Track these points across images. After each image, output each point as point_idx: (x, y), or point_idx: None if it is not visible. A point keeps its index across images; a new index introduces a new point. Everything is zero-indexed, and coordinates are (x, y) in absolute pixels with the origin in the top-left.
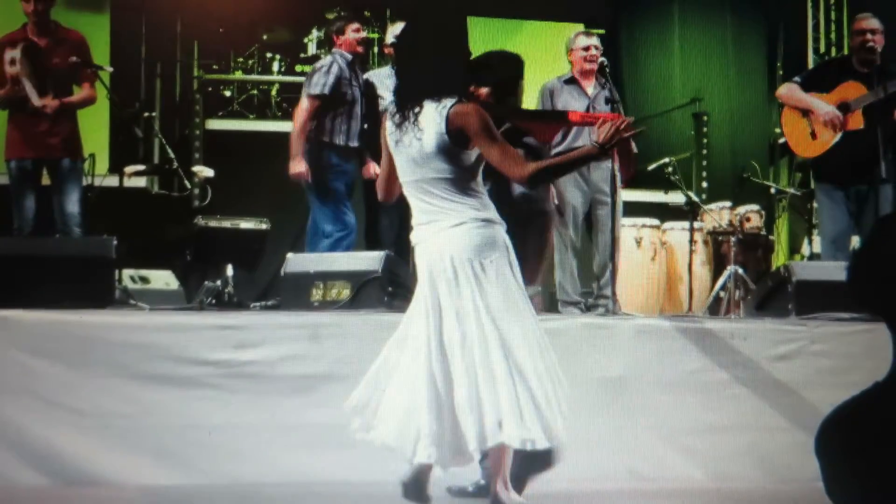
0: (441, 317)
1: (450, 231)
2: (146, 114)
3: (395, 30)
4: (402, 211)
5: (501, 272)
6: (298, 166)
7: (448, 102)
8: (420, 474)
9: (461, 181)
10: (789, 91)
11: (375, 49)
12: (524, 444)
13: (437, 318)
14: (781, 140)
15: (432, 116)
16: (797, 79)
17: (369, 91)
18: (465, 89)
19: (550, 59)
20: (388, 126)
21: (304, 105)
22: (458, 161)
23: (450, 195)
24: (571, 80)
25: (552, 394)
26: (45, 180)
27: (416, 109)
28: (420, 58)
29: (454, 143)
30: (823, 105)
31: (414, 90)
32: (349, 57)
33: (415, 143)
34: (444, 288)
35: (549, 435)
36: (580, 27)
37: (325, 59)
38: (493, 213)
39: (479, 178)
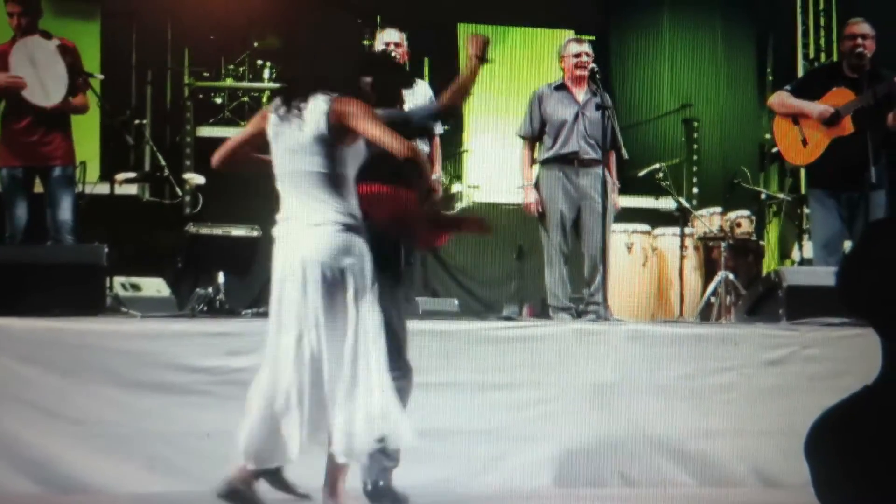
0: (290, 318)
1: (308, 230)
2: (137, 121)
3: (385, 36)
4: None
5: (352, 279)
6: None
7: (332, 96)
8: (243, 478)
9: (332, 179)
10: (780, 99)
11: None
12: (350, 458)
13: (287, 318)
14: (774, 149)
15: (316, 109)
16: (787, 87)
17: None
18: (353, 86)
19: (540, 65)
20: (272, 118)
21: None
22: (333, 157)
23: (317, 191)
24: (561, 87)
25: (391, 402)
26: (38, 188)
27: (302, 103)
28: (310, 53)
29: (332, 137)
30: (815, 105)
31: (302, 85)
32: None
33: (295, 133)
34: (290, 287)
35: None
36: (570, 34)
37: None
38: (356, 220)
39: (352, 184)
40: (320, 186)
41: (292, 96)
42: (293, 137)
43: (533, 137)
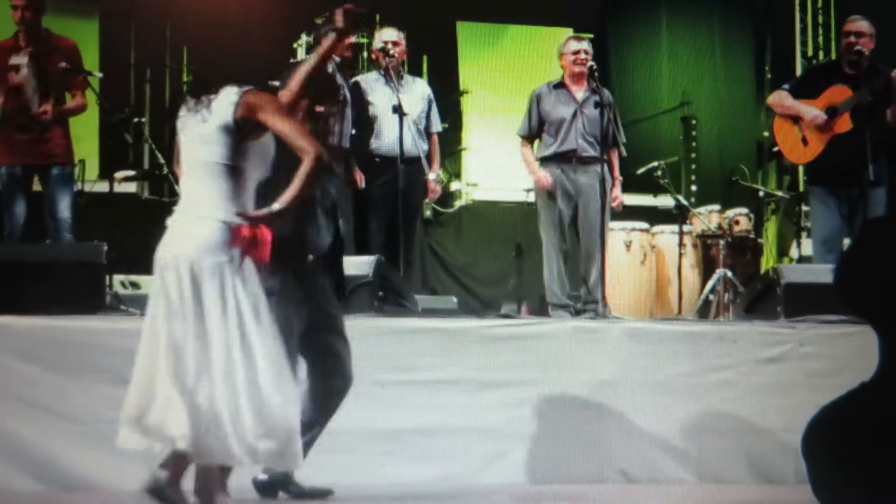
0: (165, 310)
1: (191, 222)
2: (136, 119)
3: (383, 35)
4: (393, 214)
5: (221, 278)
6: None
7: (243, 88)
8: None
9: (230, 171)
10: (779, 99)
11: (365, 54)
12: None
13: (161, 309)
14: (775, 148)
15: (225, 100)
16: (786, 86)
17: (358, 95)
18: (265, 81)
19: (539, 63)
20: (181, 111)
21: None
22: (234, 149)
23: (211, 182)
24: (560, 85)
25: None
26: (37, 186)
27: (213, 95)
28: (226, 47)
29: (237, 128)
30: (810, 110)
31: (214, 77)
32: (337, 59)
33: (199, 124)
34: (167, 279)
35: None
36: (569, 31)
37: None
38: (240, 221)
39: (250, 181)
40: (215, 177)
41: (204, 89)
42: (197, 128)
43: (531, 136)
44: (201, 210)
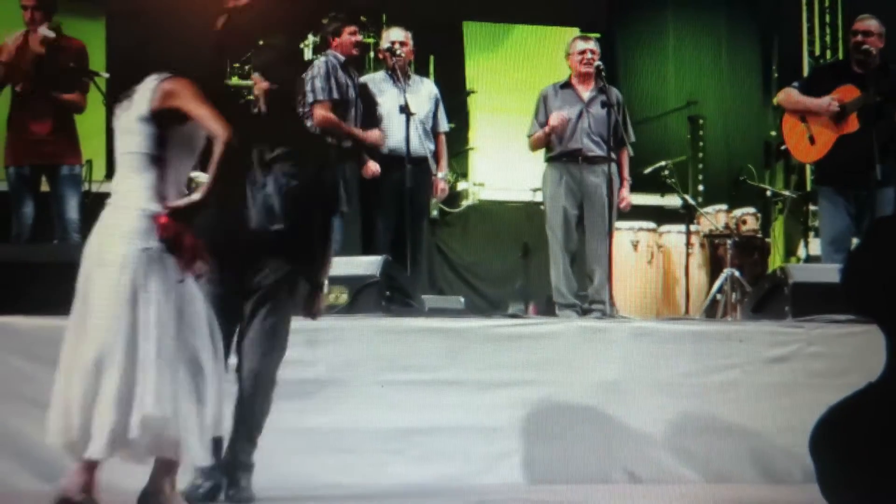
0: (84, 301)
1: (114, 212)
2: None
3: (390, 35)
4: (398, 213)
5: (141, 267)
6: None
7: (161, 76)
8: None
9: (152, 164)
10: (788, 96)
11: (371, 54)
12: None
13: (83, 302)
14: (783, 147)
15: (145, 88)
16: (795, 84)
17: (365, 94)
18: (193, 68)
19: (546, 63)
20: (117, 103)
21: (321, 112)
22: (155, 140)
23: (133, 174)
24: (567, 85)
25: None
26: (44, 187)
27: (137, 85)
28: (149, 34)
29: (156, 119)
30: (821, 100)
31: (138, 65)
32: (342, 58)
33: (124, 115)
34: (90, 267)
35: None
36: (576, 31)
37: (319, 62)
38: (162, 210)
39: (175, 169)
40: (138, 169)
41: (130, 79)
42: (122, 119)
43: None
44: (124, 200)
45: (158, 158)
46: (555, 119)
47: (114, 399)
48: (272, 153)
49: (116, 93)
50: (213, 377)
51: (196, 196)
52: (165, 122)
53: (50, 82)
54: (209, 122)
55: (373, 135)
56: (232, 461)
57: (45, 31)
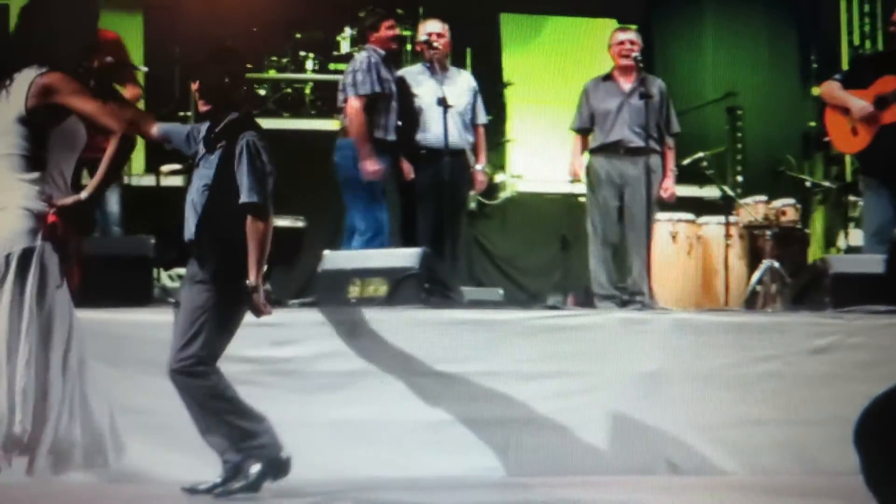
0: None
1: None
2: (181, 113)
3: (427, 27)
4: (439, 207)
5: (24, 266)
6: (374, 165)
7: (37, 71)
8: None
9: (31, 163)
10: (829, 89)
11: (408, 47)
12: None
13: None
14: (825, 138)
15: (22, 84)
16: (837, 76)
17: (402, 88)
18: (73, 62)
19: (582, 54)
20: None
21: (355, 105)
22: (33, 138)
23: (12, 175)
24: (608, 78)
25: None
26: (85, 180)
27: (9, 79)
28: (28, 23)
29: (33, 119)
30: (857, 101)
31: (15, 57)
32: (382, 53)
33: (1, 112)
34: None
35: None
36: (613, 22)
37: (361, 56)
38: (46, 208)
39: (58, 167)
40: (17, 169)
41: (4, 71)
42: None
43: (583, 130)
44: (4, 201)
45: (39, 158)
46: (572, 170)
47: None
48: (199, 156)
49: (151, 87)
50: (70, 392)
51: (83, 194)
52: (44, 119)
53: (89, 78)
54: (101, 118)
55: (373, 165)
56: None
57: None
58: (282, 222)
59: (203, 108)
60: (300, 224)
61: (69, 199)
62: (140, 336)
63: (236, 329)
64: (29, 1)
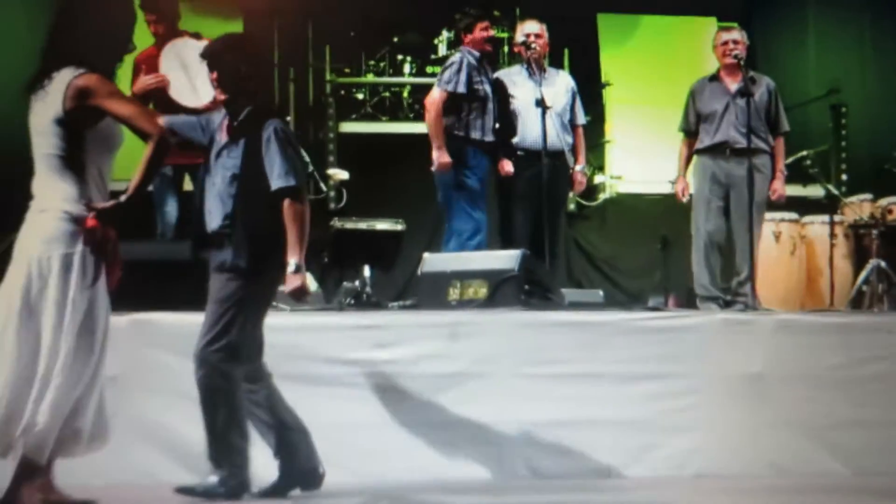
0: (2, 304)
1: (34, 216)
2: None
3: (525, 28)
4: (538, 208)
5: (64, 270)
6: (444, 157)
7: (74, 72)
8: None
9: (69, 164)
10: None
11: (505, 48)
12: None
13: (10, 304)
14: None
15: (59, 85)
16: None
17: (500, 89)
18: (104, 64)
19: (682, 53)
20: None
21: (434, 95)
22: (70, 140)
23: (51, 176)
24: (715, 78)
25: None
26: (187, 185)
27: (48, 79)
28: (67, 22)
29: (71, 120)
30: None
31: (50, 57)
32: (477, 54)
33: (40, 112)
34: (11, 272)
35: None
36: (712, 20)
37: (455, 56)
38: (85, 212)
39: (97, 170)
40: (56, 170)
41: (42, 70)
42: (38, 116)
43: (690, 132)
44: (41, 202)
45: (77, 160)
46: (678, 191)
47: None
48: (219, 146)
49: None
50: (93, 387)
51: (123, 197)
52: (81, 121)
53: None
54: (137, 121)
55: (443, 157)
56: None
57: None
58: (381, 225)
59: (220, 97)
60: (399, 227)
61: (108, 203)
62: None
63: (263, 322)
64: (66, 1)
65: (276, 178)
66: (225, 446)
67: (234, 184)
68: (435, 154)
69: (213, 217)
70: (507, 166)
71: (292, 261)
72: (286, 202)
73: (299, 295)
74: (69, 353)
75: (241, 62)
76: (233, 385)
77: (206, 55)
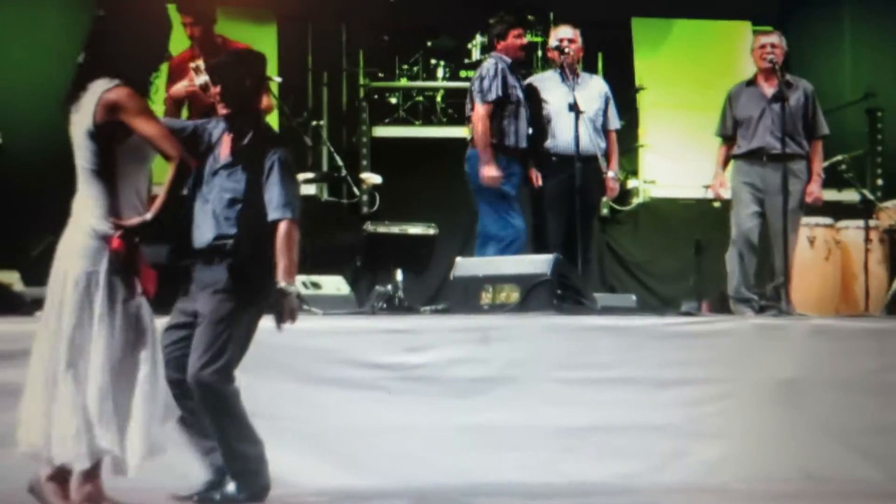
0: (52, 320)
1: (69, 229)
2: (314, 122)
3: (559, 33)
4: (570, 213)
5: (87, 288)
6: (493, 171)
7: (107, 85)
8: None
9: (101, 177)
10: None
11: (539, 53)
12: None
13: (53, 320)
14: None
15: (89, 99)
16: None
17: (532, 95)
18: (139, 75)
19: (716, 57)
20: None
21: (480, 111)
22: (101, 153)
23: (84, 189)
24: (751, 83)
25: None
26: None
27: (82, 91)
28: (103, 33)
29: (101, 133)
30: None
31: (85, 69)
32: (509, 60)
33: (77, 123)
34: (54, 289)
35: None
36: (746, 24)
37: (488, 63)
38: (110, 229)
39: (130, 185)
40: (90, 184)
41: (77, 82)
42: (75, 127)
43: (728, 137)
44: (78, 218)
45: (107, 173)
46: (714, 188)
47: (69, 409)
48: (218, 163)
49: (285, 97)
50: (147, 396)
51: (149, 216)
52: (112, 134)
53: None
54: (159, 142)
55: (492, 171)
56: None
57: (199, 79)
58: (413, 229)
59: (223, 111)
60: (432, 231)
61: (135, 220)
62: (276, 342)
63: (251, 342)
64: (102, 12)
65: (275, 208)
66: (239, 456)
67: (232, 207)
68: (484, 168)
69: (203, 233)
70: (536, 180)
71: (288, 285)
72: (283, 229)
73: (294, 316)
74: (100, 370)
75: (245, 77)
76: (231, 399)
77: (212, 69)
